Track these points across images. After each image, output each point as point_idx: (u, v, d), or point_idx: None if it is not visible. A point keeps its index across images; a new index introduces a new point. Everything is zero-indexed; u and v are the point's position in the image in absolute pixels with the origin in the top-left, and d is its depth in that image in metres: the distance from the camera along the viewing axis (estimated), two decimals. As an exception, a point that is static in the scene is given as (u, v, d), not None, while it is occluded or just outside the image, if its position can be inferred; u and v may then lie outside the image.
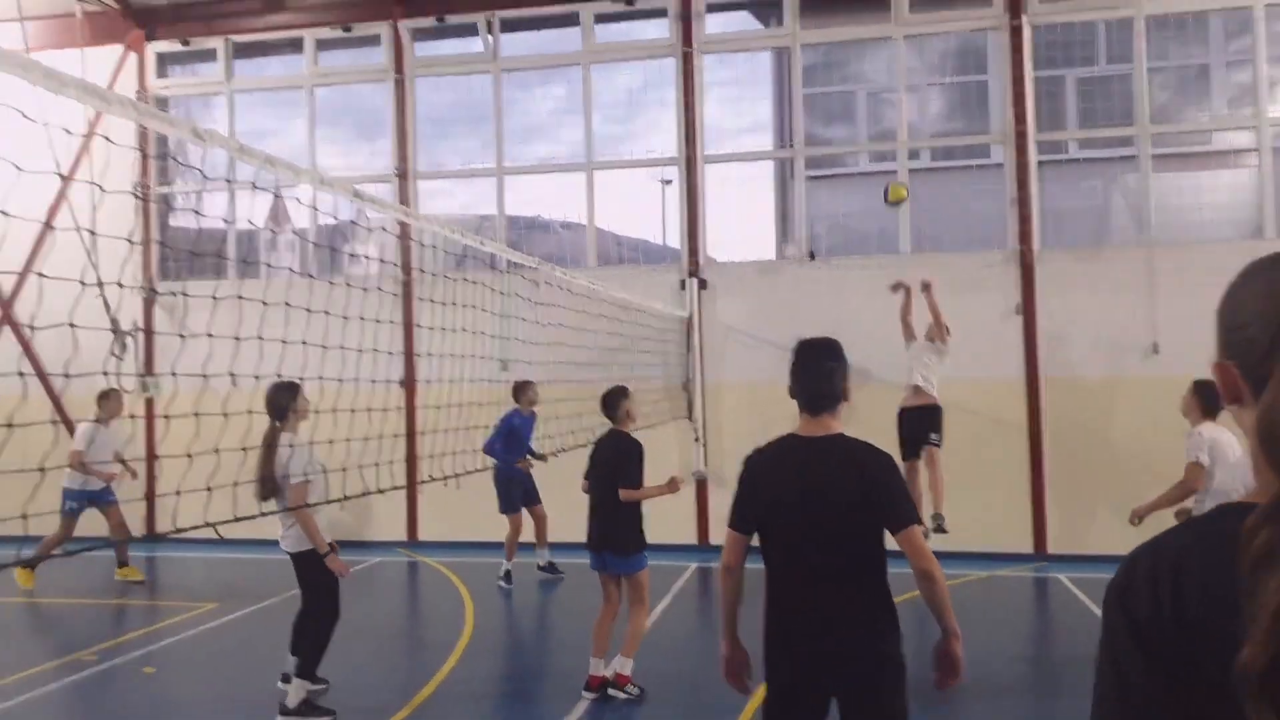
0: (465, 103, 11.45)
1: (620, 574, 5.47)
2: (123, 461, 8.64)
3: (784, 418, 9.92)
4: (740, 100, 11.36)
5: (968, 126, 10.82)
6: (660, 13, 10.73)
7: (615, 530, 5.40)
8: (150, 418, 10.66)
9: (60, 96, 2.43)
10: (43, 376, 10.45)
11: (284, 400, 5.15)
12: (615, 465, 5.46)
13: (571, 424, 6.58)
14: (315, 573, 5.18)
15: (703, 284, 10.31)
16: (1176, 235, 9.79)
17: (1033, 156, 9.80)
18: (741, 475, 3.02)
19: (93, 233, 3.96)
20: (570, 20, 10.97)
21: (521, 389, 8.33)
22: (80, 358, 3.39)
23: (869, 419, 9.45)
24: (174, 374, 3.81)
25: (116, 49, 11.52)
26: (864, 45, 10.79)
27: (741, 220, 10.68)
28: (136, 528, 9.56)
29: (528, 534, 8.64)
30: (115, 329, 9.14)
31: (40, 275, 2.78)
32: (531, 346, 6.72)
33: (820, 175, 11.90)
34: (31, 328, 10.27)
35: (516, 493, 8.46)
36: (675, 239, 10.75)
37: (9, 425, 2.76)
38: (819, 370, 3.00)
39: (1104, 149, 10.24)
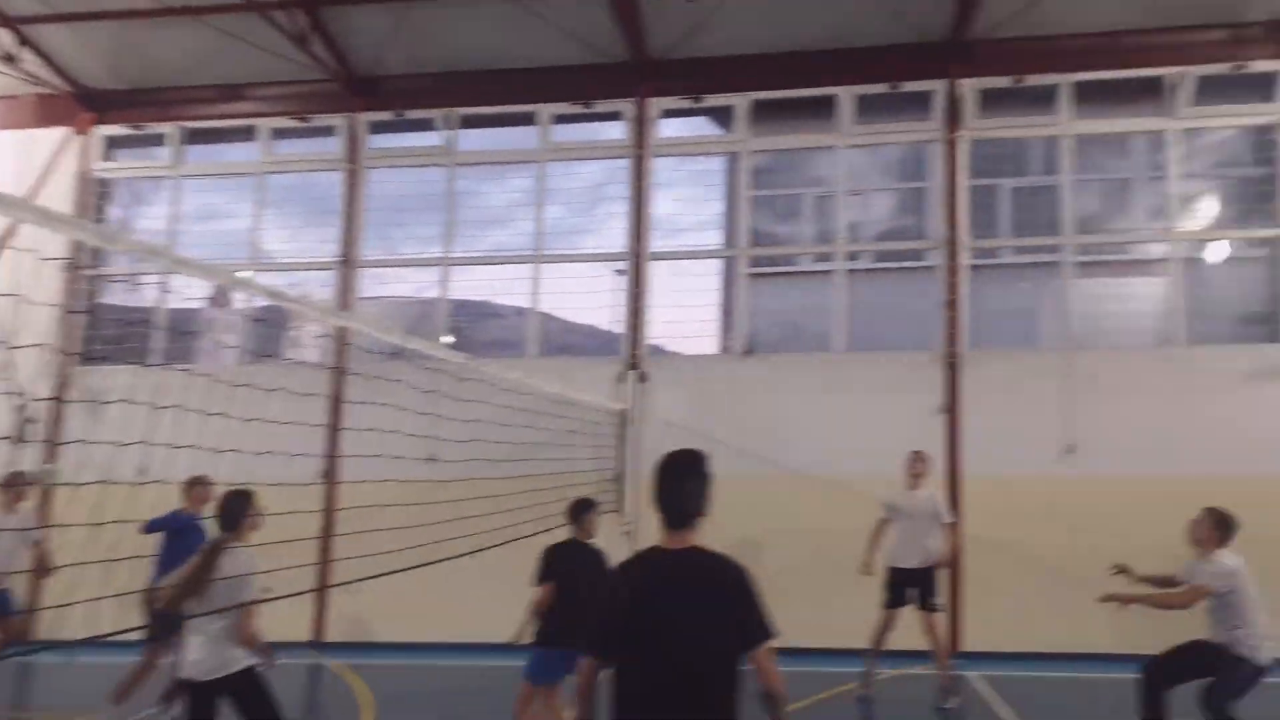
0: (424, 190, 11.68)
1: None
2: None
3: (719, 514, 9.87)
4: (693, 199, 11.72)
5: (909, 229, 11.22)
6: (616, 115, 11.15)
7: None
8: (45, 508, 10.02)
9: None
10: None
11: (238, 508, 4.79)
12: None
13: (487, 523, 6.47)
14: (253, 697, 4.69)
15: (642, 377, 10.46)
16: (1097, 340, 10.16)
17: (964, 261, 10.21)
18: (606, 591, 3.04)
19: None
20: (529, 119, 11.33)
21: (191, 484, 6.88)
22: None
23: (794, 512, 9.67)
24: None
25: (63, 132, 11.65)
26: (814, 149, 11.24)
27: (687, 315, 10.92)
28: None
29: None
30: (21, 417, 8.87)
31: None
32: (458, 442, 6.73)
33: (766, 273, 12.18)
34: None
35: None
36: (618, 328, 10.96)
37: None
38: (681, 489, 3.03)
39: (1036, 254, 10.66)
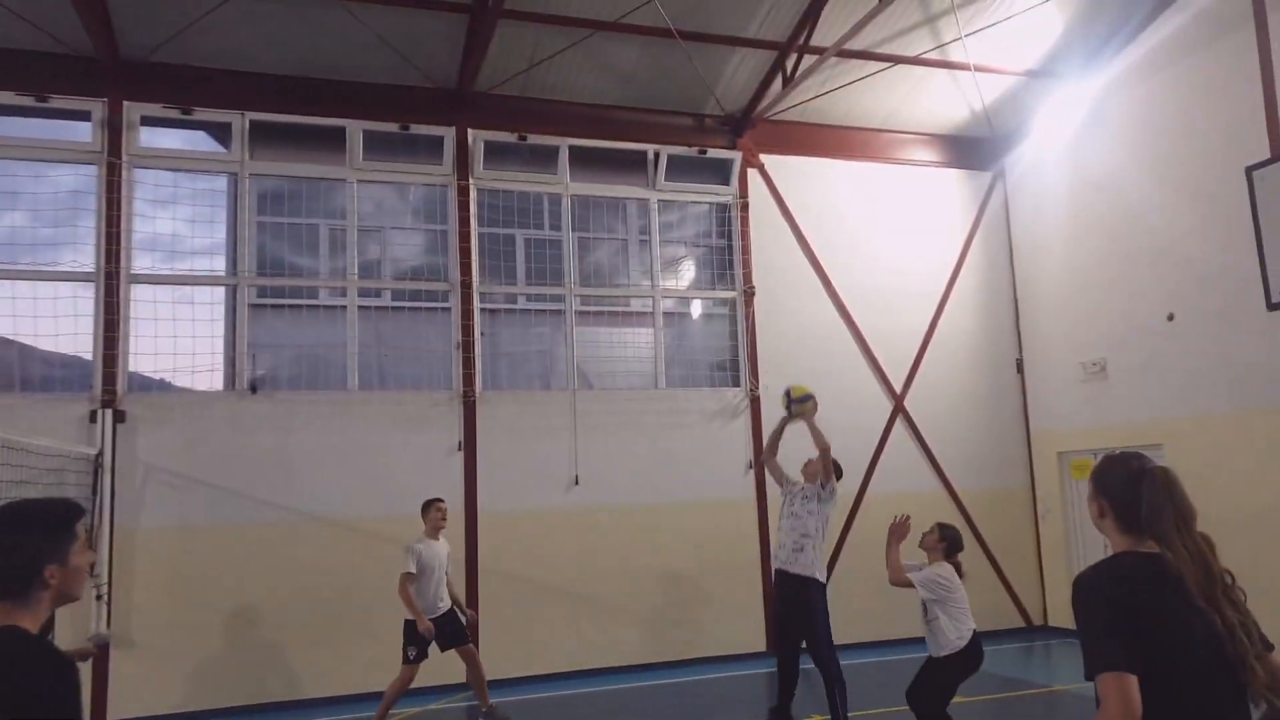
0: None
1: None
2: None
3: (218, 565, 9.04)
4: (194, 220, 10.49)
5: (433, 269, 11.25)
6: (84, 115, 9.57)
7: None
8: None
9: None
10: None
11: None
12: None
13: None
14: None
15: (120, 416, 9.05)
16: (601, 382, 11.15)
17: (476, 304, 10.53)
18: None
19: None
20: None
21: None
22: None
23: (299, 556, 9.12)
24: None
25: None
26: (328, 180, 10.76)
27: (184, 348, 9.67)
28: None
29: None
30: None
31: None
32: None
33: (279, 304, 11.38)
34: None
35: None
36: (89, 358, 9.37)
37: None
38: None
39: (550, 302, 11.36)
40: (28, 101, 9.31)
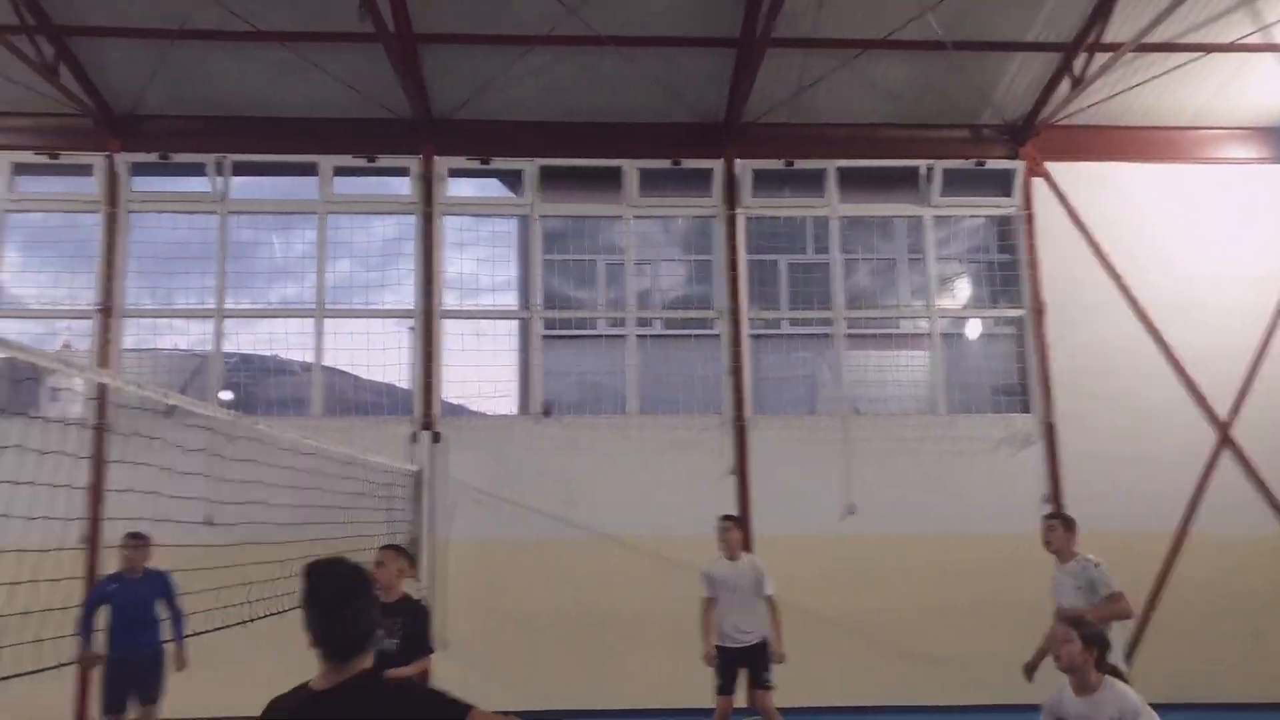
0: (197, 239, 10.79)
1: None
2: None
3: (515, 577, 9.69)
4: (490, 260, 11.61)
5: (698, 298, 11.61)
6: (405, 171, 10.87)
7: None
8: None
9: None
10: None
11: None
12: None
13: (269, 589, 5.97)
14: None
15: (436, 437, 10.10)
16: (872, 407, 10.90)
17: (745, 331, 10.68)
18: None
19: None
20: (311, 169, 10.82)
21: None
22: None
23: (585, 574, 9.64)
24: None
25: None
26: (603, 217, 11.48)
27: (485, 376, 10.70)
28: None
29: None
30: None
31: None
32: (236, 505, 6.17)
33: (562, 335, 12.22)
34: None
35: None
36: (410, 386, 10.56)
37: None
38: (337, 616, 2.34)
39: (814, 326, 11.32)
40: (360, 162, 10.75)
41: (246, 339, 10.77)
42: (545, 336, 11.20)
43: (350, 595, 2.35)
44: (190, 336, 11.01)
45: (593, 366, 11.45)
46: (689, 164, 11.02)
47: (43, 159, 10.46)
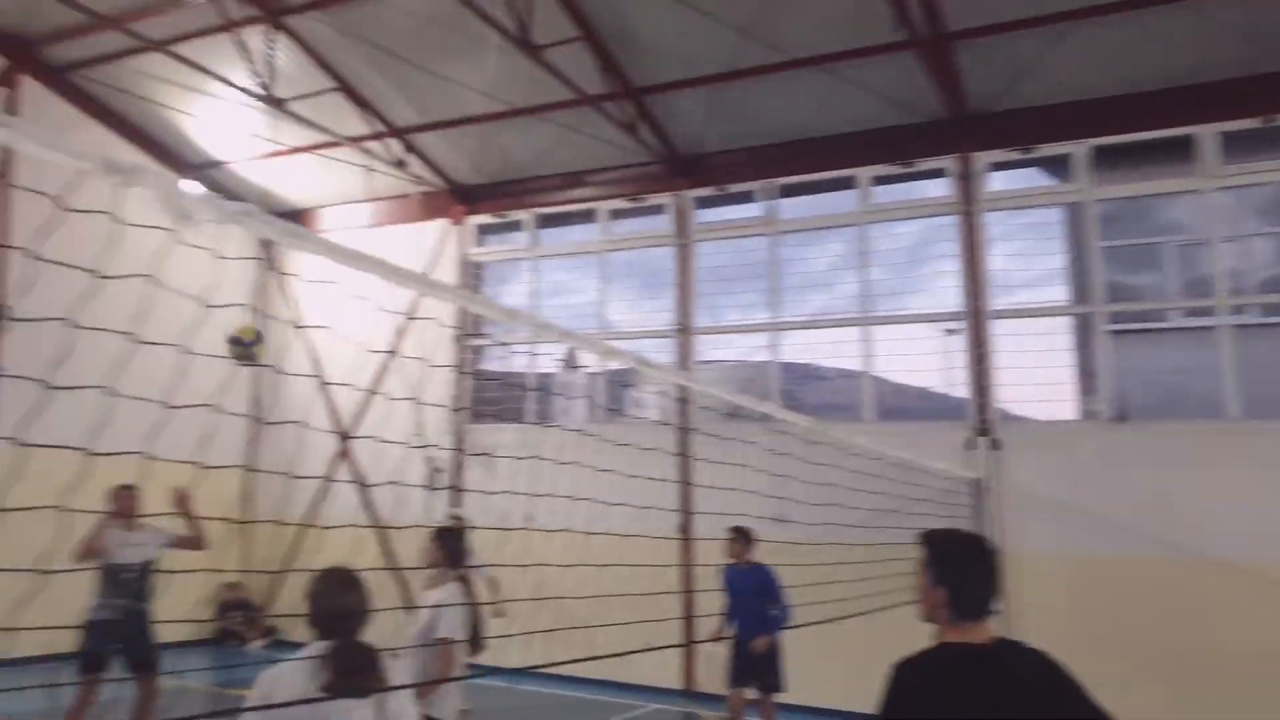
0: (744, 260, 11.91)
1: None
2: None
3: (1101, 592, 8.87)
4: (1030, 254, 10.92)
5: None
6: (940, 172, 10.70)
7: None
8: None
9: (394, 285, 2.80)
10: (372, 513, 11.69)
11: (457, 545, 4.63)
12: None
13: (852, 589, 6.26)
14: None
15: (994, 444, 9.71)
16: None
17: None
18: (890, 694, 2.44)
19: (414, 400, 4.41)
20: (848, 183, 11.21)
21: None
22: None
23: (1190, 598, 8.33)
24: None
25: (443, 223, 13.28)
26: (1167, 195, 10.08)
27: (1036, 378, 10.04)
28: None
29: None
30: (431, 468, 10.11)
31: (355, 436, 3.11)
32: (807, 505, 6.57)
33: (1128, 330, 11.00)
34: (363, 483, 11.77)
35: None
36: (960, 391, 10.32)
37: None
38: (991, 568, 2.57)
39: None
40: (896, 169, 10.83)
41: (786, 349, 11.48)
42: (1109, 332, 10.15)
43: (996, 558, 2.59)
44: (736, 349, 12.14)
45: (1170, 364, 10.07)
46: (1292, 118, 9.16)
47: (628, 204, 12.35)
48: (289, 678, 2.92)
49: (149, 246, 2.33)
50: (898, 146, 10.77)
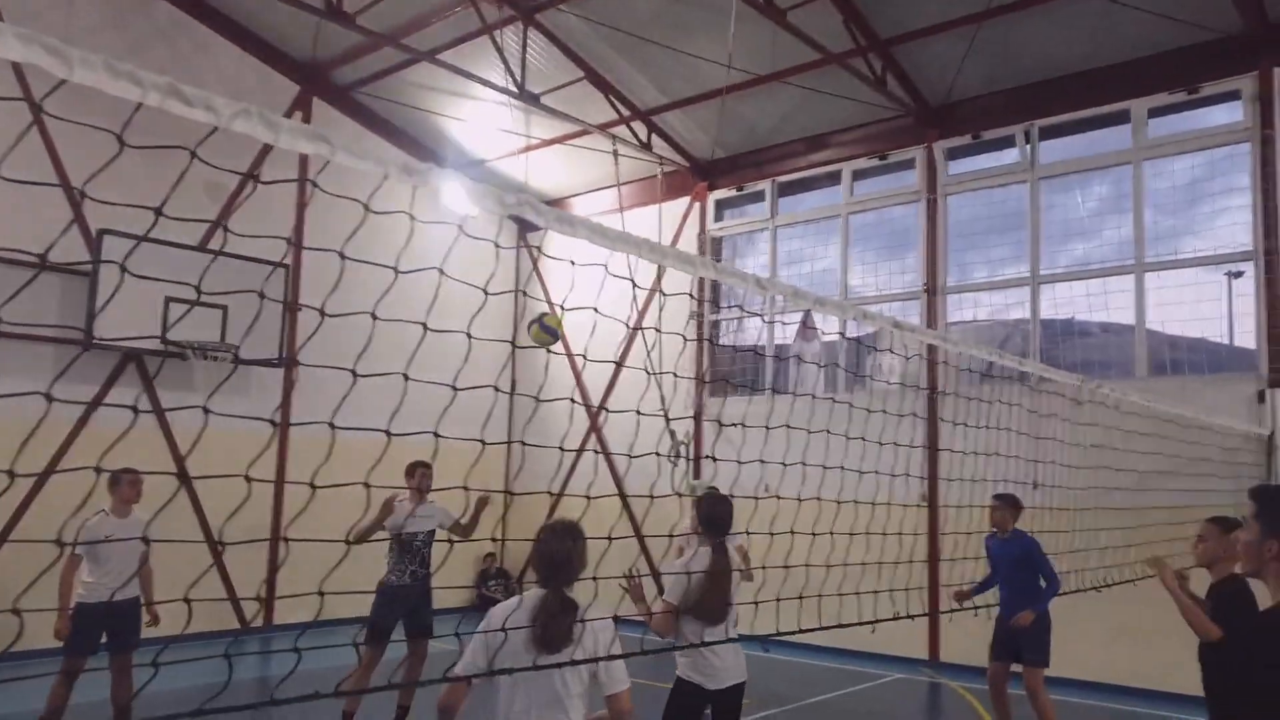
0: (997, 212, 11.29)
1: None
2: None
3: None
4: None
5: None
6: (1233, 95, 9.55)
7: None
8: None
9: (640, 259, 3.03)
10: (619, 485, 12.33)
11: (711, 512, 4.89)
12: None
13: (1117, 556, 5.91)
14: None
15: (1292, 397, 8.65)
16: None
17: None
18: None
19: (651, 372, 4.68)
20: (1117, 119, 10.29)
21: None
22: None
23: None
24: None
25: (684, 201, 13.63)
26: None
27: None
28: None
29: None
30: (673, 440, 10.49)
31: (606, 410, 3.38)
32: (1067, 468, 6.25)
33: None
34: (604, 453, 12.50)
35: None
36: (1245, 340, 9.25)
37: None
38: None
39: None
40: (1179, 98, 9.79)
41: (1042, 303, 10.75)
42: None
43: None
44: (986, 307, 11.49)
45: None
46: None
47: (874, 162, 12.06)
48: (501, 617, 3.25)
49: (439, 241, 2.66)
50: (1182, 71, 9.73)
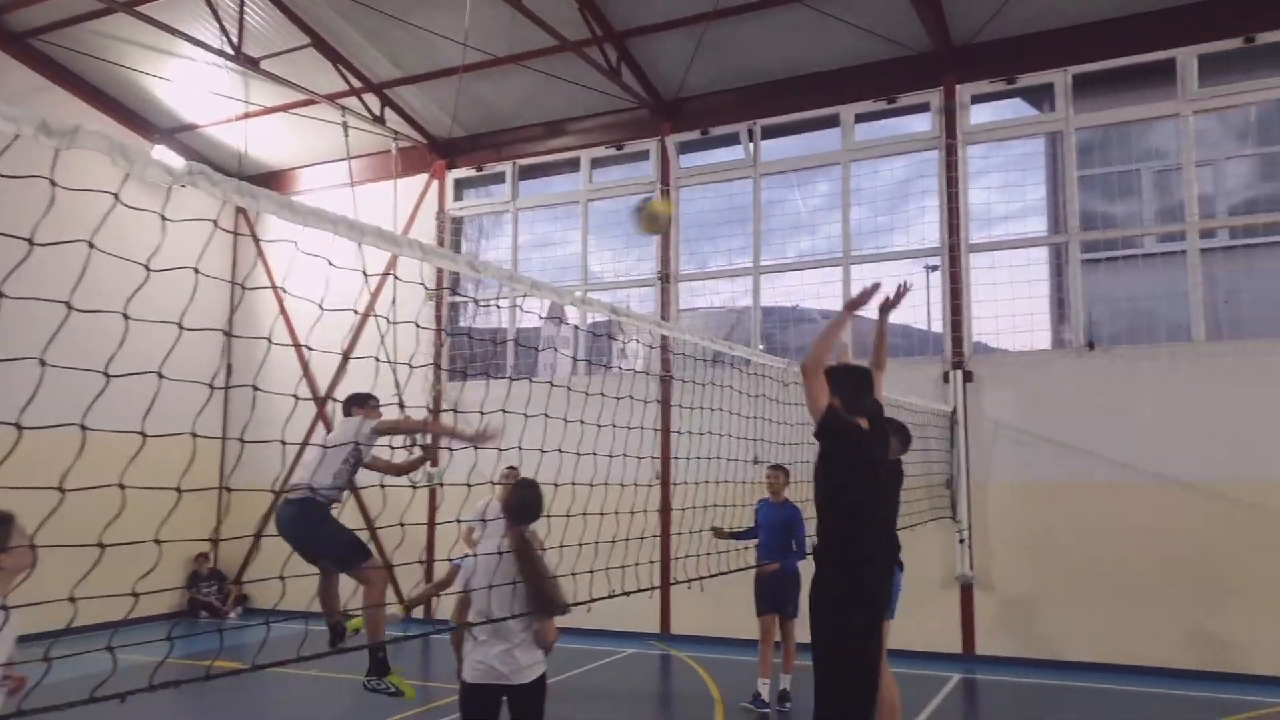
0: (728, 205, 11.94)
1: None
2: None
3: (1063, 519, 9.21)
4: (1011, 186, 10.99)
5: (1267, 199, 9.72)
6: (923, 108, 10.71)
7: None
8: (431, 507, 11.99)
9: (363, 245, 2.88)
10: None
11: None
12: None
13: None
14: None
15: (968, 376, 9.91)
16: None
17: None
18: None
19: (385, 361, 4.52)
20: (831, 122, 11.21)
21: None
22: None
23: (1156, 519, 8.67)
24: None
25: (422, 178, 13.24)
26: (1147, 120, 10.12)
27: (1013, 310, 10.20)
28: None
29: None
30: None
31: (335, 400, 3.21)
32: (782, 446, 6.76)
33: (1100, 258, 11.15)
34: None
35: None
36: (938, 326, 10.49)
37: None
38: None
39: None
40: (880, 106, 10.85)
41: (769, 293, 11.59)
42: (1083, 261, 10.30)
43: None
44: (720, 295, 12.22)
45: (1141, 291, 10.25)
46: (1266, 38, 9.19)
47: (611, 151, 12.33)
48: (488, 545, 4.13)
49: (99, 211, 2.35)
50: (882, 82, 10.77)
